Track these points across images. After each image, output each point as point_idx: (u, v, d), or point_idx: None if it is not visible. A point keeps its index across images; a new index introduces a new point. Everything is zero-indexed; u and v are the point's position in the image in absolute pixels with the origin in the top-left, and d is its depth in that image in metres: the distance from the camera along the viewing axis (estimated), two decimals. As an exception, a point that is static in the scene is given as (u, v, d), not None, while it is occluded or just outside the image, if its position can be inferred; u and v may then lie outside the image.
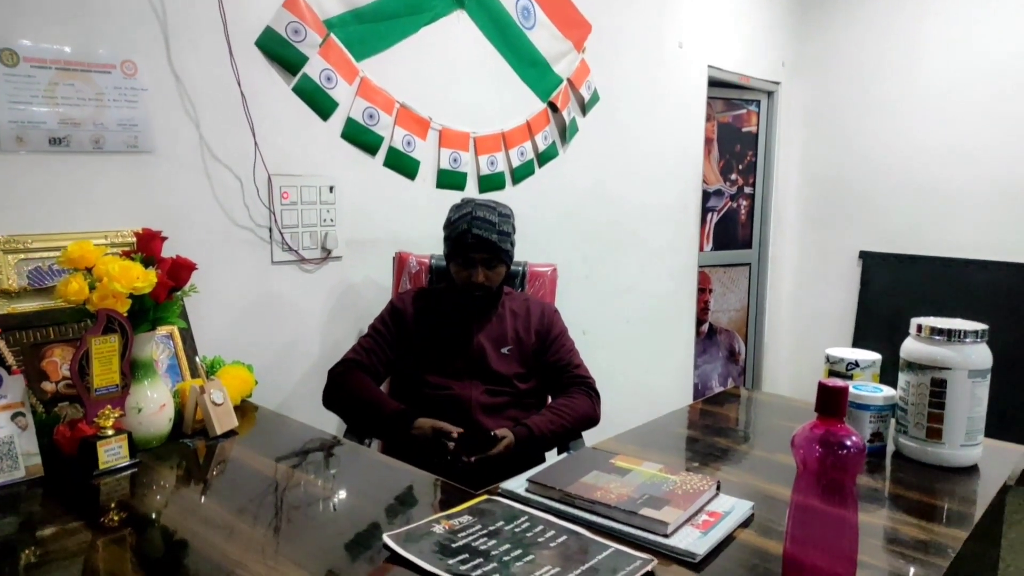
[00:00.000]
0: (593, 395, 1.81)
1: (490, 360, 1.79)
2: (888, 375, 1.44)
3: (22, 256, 1.50)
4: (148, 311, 1.36)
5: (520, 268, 2.15)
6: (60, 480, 1.22)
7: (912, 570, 0.96)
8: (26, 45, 1.51)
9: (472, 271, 1.77)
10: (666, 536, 0.98)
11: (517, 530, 1.00)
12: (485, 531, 1.00)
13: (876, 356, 1.47)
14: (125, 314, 1.29)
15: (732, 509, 1.08)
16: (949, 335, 1.29)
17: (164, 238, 1.46)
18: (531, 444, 1.65)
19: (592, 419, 1.79)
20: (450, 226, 1.81)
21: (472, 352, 1.79)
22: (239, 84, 1.83)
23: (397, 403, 1.70)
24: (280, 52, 1.91)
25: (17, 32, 1.50)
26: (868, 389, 1.37)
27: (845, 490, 0.85)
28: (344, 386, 1.75)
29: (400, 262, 2.14)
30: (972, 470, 1.31)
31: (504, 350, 1.81)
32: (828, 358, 1.49)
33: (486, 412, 1.74)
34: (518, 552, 0.94)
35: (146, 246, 1.42)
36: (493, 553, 0.93)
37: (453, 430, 1.60)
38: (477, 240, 1.74)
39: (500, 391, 1.78)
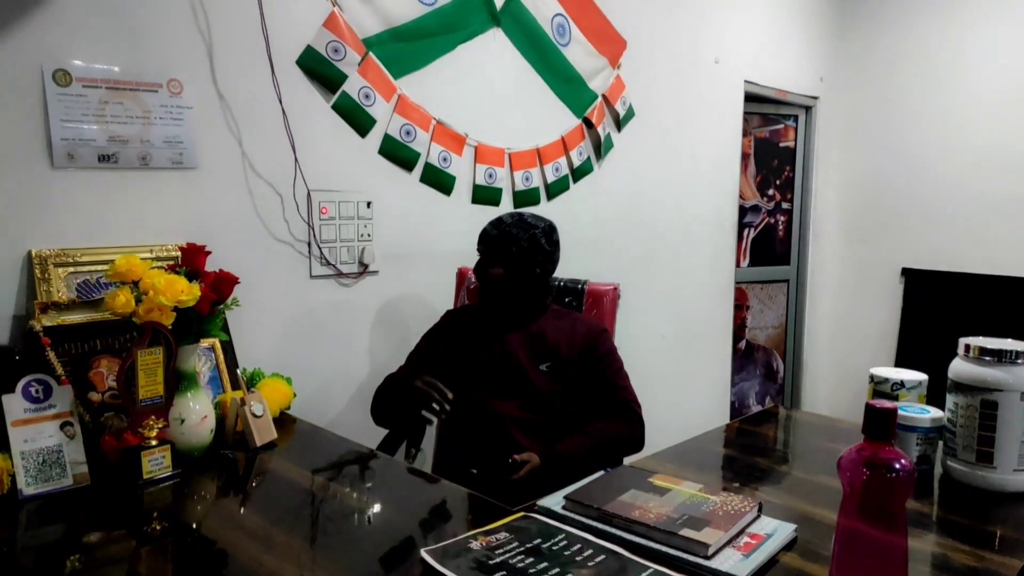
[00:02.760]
0: (633, 420, 1.74)
1: (528, 376, 1.76)
2: (932, 397, 1.40)
3: (71, 269, 1.55)
4: (192, 324, 1.39)
5: (579, 286, 2.08)
6: (105, 488, 1.25)
7: (965, 599, 0.92)
8: (78, 65, 1.56)
9: (491, 267, 1.74)
10: (707, 558, 0.96)
11: (555, 548, 0.99)
12: (522, 548, 0.99)
13: (923, 376, 1.43)
14: (170, 327, 1.31)
15: (775, 531, 1.06)
16: (1000, 356, 1.25)
17: (208, 252, 1.48)
18: (559, 468, 1.62)
19: (630, 443, 1.73)
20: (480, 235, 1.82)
21: (510, 367, 1.78)
22: (280, 101, 1.87)
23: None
24: (320, 70, 1.95)
25: (70, 53, 1.55)
26: (914, 410, 1.33)
27: (894, 514, 0.83)
28: (379, 395, 1.82)
29: (460, 277, 2.14)
30: (1026, 496, 1.26)
31: (543, 367, 1.78)
32: (872, 378, 1.45)
33: (521, 429, 1.72)
34: (556, 571, 0.93)
35: (190, 260, 1.45)
36: (531, 571, 0.92)
37: (447, 392, 1.62)
38: (499, 233, 1.74)
39: (538, 408, 1.75)
